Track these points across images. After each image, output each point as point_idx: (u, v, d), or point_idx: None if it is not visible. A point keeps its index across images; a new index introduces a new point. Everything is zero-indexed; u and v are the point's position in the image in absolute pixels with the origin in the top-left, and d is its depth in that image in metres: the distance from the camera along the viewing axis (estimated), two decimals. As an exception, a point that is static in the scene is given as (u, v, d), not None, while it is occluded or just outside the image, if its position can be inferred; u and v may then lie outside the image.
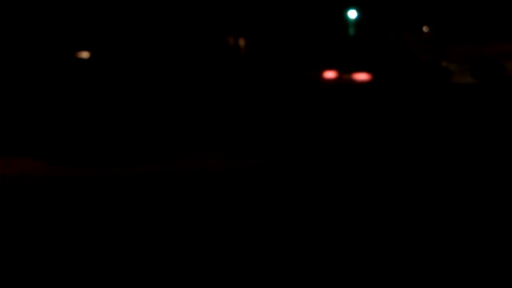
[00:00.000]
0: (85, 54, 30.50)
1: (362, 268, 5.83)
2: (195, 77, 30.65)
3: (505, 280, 5.37)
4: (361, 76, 17.89)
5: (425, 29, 45.56)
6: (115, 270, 6.01)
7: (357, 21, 50.58)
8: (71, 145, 13.83)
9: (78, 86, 24.54)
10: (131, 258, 6.32)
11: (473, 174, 9.58)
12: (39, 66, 25.70)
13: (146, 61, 32.27)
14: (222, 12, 38.85)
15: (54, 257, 6.43)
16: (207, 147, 13.08)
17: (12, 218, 8.10)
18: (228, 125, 16.31)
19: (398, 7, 48.52)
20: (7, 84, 23.14)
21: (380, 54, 18.71)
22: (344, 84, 17.77)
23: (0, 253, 6.57)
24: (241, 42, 44.68)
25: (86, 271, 5.99)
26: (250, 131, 15.14)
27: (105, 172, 11.15)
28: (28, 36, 27.34)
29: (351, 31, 51.11)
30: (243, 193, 8.90)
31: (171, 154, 12.31)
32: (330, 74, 18.19)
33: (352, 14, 52.21)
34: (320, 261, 6.03)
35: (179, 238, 6.94)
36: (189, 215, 7.85)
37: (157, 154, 12.36)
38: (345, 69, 18.22)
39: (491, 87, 18.05)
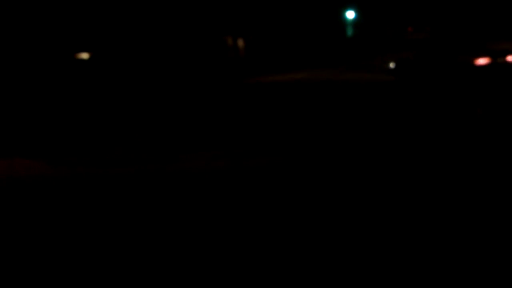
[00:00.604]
0: (84, 55, 30.64)
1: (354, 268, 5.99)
2: (189, 79, 30.68)
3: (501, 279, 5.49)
4: None
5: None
6: (112, 268, 6.22)
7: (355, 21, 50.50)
8: (69, 146, 13.96)
9: (76, 87, 24.66)
10: (128, 257, 6.52)
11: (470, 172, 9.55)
12: (39, 68, 25.76)
13: (142, 63, 32.31)
14: (218, 15, 38.77)
15: (54, 256, 6.62)
16: (202, 147, 13.15)
17: (13, 218, 8.28)
18: (224, 125, 16.35)
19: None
20: (6, 86, 23.25)
21: None
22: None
23: (1, 253, 6.77)
24: (240, 42, 44.63)
25: (84, 270, 6.19)
26: (247, 130, 15.20)
27: (102, 172, 11.27)
28: (28, 38, 27.43)
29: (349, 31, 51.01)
30: (235, 193, 9.09)
31: (165, 155, 12.44)
32: (482, 61, 22.87)
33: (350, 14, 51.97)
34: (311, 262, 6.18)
35: (173, 236, 7.13)
36: (182, 215, 8.04)
37: (151, 155, 12.51)
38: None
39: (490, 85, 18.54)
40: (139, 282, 5.82)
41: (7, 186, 10.33)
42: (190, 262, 6.28)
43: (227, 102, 21.77)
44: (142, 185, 9.99)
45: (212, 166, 11.16)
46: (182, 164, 11.51)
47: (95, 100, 23.68)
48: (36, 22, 28.14)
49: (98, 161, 12.45)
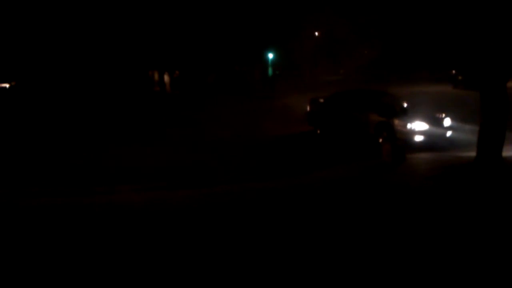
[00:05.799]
0: (7, 84, 29.84)
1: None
2: (119, 110, 30.14)
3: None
4: None
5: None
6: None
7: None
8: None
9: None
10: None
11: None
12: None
13: (65, 94, 31.58)
14: (149, 50, 38.55)
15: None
16: (131, 179, 12.78)
17: None
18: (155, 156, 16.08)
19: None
20: None
21: None
22: None
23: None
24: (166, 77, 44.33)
25: None
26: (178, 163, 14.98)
27: (27, 203, 10.74)
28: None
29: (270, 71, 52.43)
30: (169, 224, 8.73)
31: (96, 186, 11.98)
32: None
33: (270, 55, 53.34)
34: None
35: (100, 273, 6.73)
36: (115, 248, 7.63)
37: (79, 186, 12.01)
38: None
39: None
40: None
41: None
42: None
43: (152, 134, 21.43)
44: (65, 216, 9.47)
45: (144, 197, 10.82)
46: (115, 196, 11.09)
47: (20, 130, 23.11)
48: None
49: (18, 191, 11.92)
